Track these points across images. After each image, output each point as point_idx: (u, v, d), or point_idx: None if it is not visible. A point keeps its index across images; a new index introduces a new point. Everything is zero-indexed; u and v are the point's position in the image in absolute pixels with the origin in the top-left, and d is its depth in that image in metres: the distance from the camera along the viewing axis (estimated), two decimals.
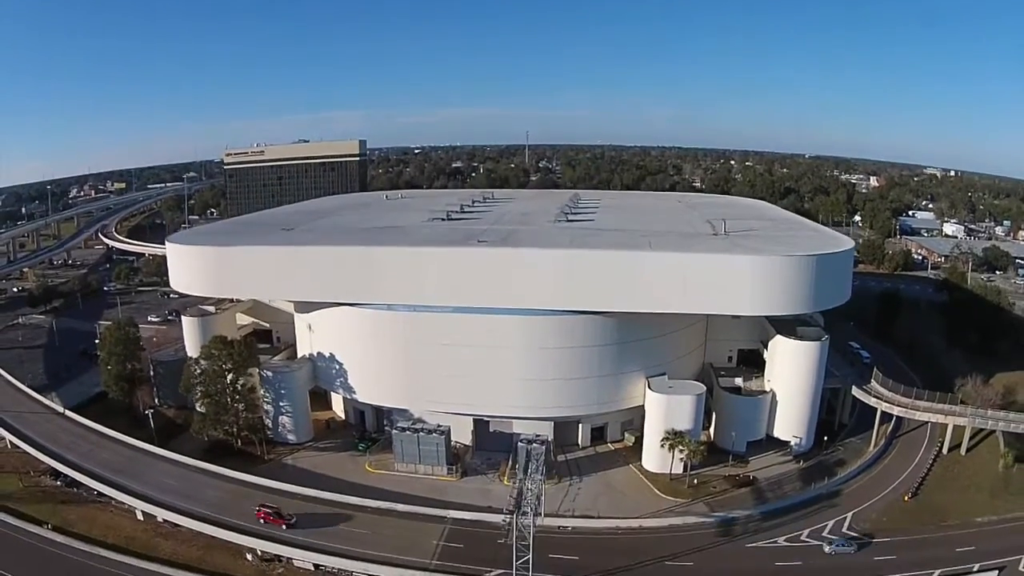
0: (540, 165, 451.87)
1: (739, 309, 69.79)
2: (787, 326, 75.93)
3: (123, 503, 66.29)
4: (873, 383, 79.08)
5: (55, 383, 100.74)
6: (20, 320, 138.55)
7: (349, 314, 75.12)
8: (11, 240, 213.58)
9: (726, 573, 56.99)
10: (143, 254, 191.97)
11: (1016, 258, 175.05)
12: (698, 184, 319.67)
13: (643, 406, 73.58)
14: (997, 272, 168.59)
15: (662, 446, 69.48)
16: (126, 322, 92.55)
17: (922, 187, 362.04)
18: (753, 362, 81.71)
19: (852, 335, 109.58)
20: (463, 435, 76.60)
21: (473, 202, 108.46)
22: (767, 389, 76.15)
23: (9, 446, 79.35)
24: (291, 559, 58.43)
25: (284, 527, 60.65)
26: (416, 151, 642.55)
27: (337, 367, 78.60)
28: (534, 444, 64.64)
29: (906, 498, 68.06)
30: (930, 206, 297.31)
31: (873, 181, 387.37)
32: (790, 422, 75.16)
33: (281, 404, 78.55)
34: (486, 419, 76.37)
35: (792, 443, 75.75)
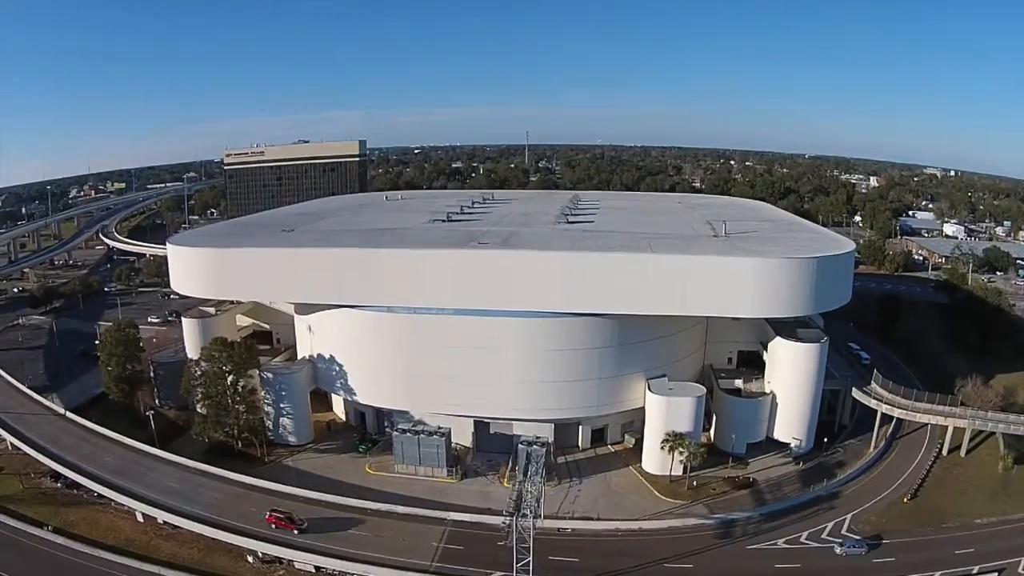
0: (540, 165, 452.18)
1: (740, 311, 69.84)
2: (787, 328, 75.98)
3: (123, 505, 66.33)
4: (873, 385, 79.12)
5: (55, 384, 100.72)
6: (20, 321, 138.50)
7: (349, 316, 75.17)
8: (11, 240, 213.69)
9: (726, 575, 57.05)
10: (143, 255, 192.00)
11: (1016, 259, 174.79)
12: (698, 184, 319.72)
13: (643, 408, 73.66)
14: (998, 273, 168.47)
15: (662, 448, 69.56)
16: (126, 323, 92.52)
17: (922, 187, 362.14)
18: (753, 364, 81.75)
19: (852, 336, 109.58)
20: (463, 437, 76.68)
21: (473, 203, 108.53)
22: (767, 391, 76.21)
23: (10, 448, 79.40)
24: (292, 561, 58.47)
25: (296, 532, 60.25)
26: (416, 151, 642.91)
27: (337, 369, 78.66)
28: (534, 446, 64.84)
29: (905, 500, 68.12)
30: (930, 206, 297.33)
31: (873, 181, 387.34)
32: (790, 424, 75.24)
33: (281, 406, 78.63)
34: (486, 421, 76.44)
35: (792, 445, 75.82)
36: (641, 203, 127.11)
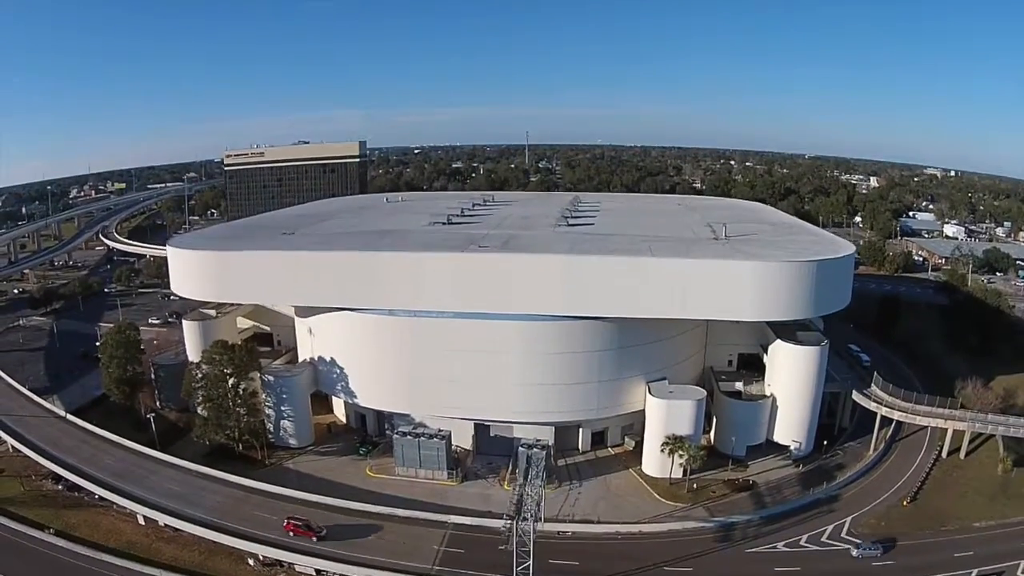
0: (540, 166, 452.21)
1: (740, 315, 69.89)
2: (787, 330, 76.04)
3: (125, 508, 66.37)
4: (873, 387, 79.22)
5: (56, 386, 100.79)
6: (21, 322, 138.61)
7: (350, 319, 75.27)
8: (12, 241, 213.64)
9: None
10: (144, 255, 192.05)
11: (1016, 259, 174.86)
12: (698, 185, 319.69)
13: (643, 411, 73.77)
14: (997, 274, 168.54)
15: (662, 451, 69.70)
16: (127, 325, 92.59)
17: (922, 188, 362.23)
18: (753, 366, 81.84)
19: (852, 337, 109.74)
20: (464, 439, 76.78)
21: (474, 205, 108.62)
22: (767, 394, 76.30)
23: (11, 450, 79.51)
24: (293, 564, 58.58)
25: (314, 539, 59.93)
26: (416, 151, 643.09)
27: (338, 371, 78.75)
28: (534, 449, 65.15)
29: (905, 503, 68.21)
30: (930, 207, 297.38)
31: (873, 181, 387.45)
32: (790, 426, 75.34)
33: (282, 408, 78.72)
34: (487, 423, 76.51)
35: (792, 447, 75.94)
36: (641, 205, 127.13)
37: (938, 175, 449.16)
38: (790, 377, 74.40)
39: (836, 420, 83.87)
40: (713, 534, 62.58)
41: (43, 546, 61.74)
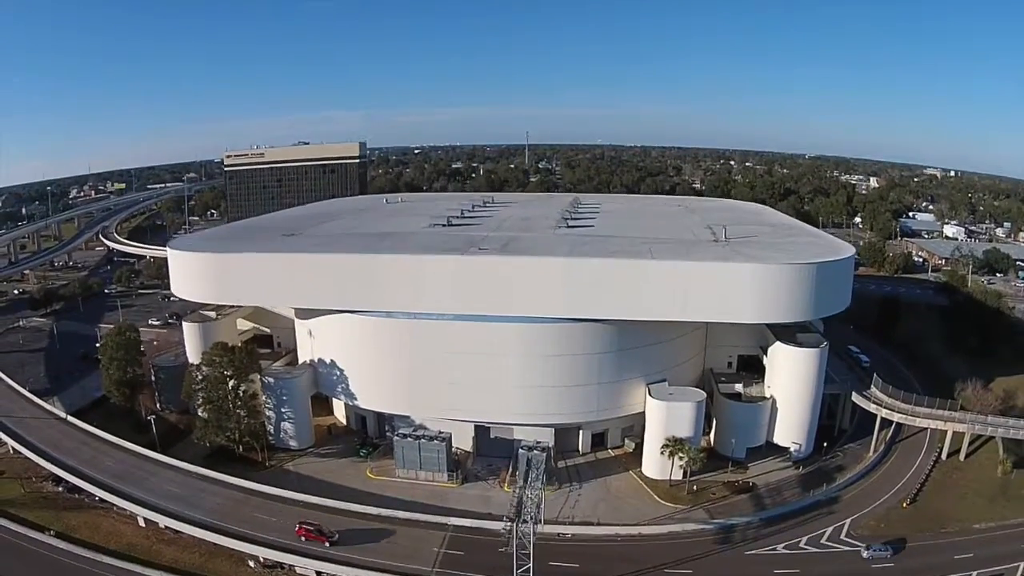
0: (540, 166, 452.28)
1: (740, 317, 69.95)
2: (787, 332, 76.03)
3: (125, 509, 66.45)
4: (873, 389, 79.25)
5: (56, 387, 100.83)
6: (21, 323, 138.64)
7: (350, 321, 75.31)
8: (12, 242, 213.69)
9: None
10: (143, 256, 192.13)
11: (1016, 260, 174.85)
12: (698, 185, 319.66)
13: (643, 412, 73.82)
14: (997, 275, 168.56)
15: (662, 453, 69.76)
16: (127, 327, 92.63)
17: (922, 188, 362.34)
18: (753, 368, 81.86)
19: (852, 339, 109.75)
20: (464, 441, 76.82)
21: (474, 207, 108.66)
22: (767, 395, 76.36)
23: (11, 452, 79.59)
24: (293, 566, 58.67)
25: (327, 544, 59.62)
26: (416, 151, 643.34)
27: (338, 373, 78.81)
28: (534, 451, 65.20)
29: (905, 504, 68.24)
30: (930, 207, 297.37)
31: (873, 182, 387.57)
32: (790, 428, 75.36)
33: (283, 410, 78.79)
34: (487, 425, 76.56)
35: (792, 449, 75.98)
36: (641, 206, 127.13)
37: (938, 175, 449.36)
38: (790, 379, 74.43)
39: (836, 422, 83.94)
40: (713, 536, 62.64)
41: (43, 548, 61.85)
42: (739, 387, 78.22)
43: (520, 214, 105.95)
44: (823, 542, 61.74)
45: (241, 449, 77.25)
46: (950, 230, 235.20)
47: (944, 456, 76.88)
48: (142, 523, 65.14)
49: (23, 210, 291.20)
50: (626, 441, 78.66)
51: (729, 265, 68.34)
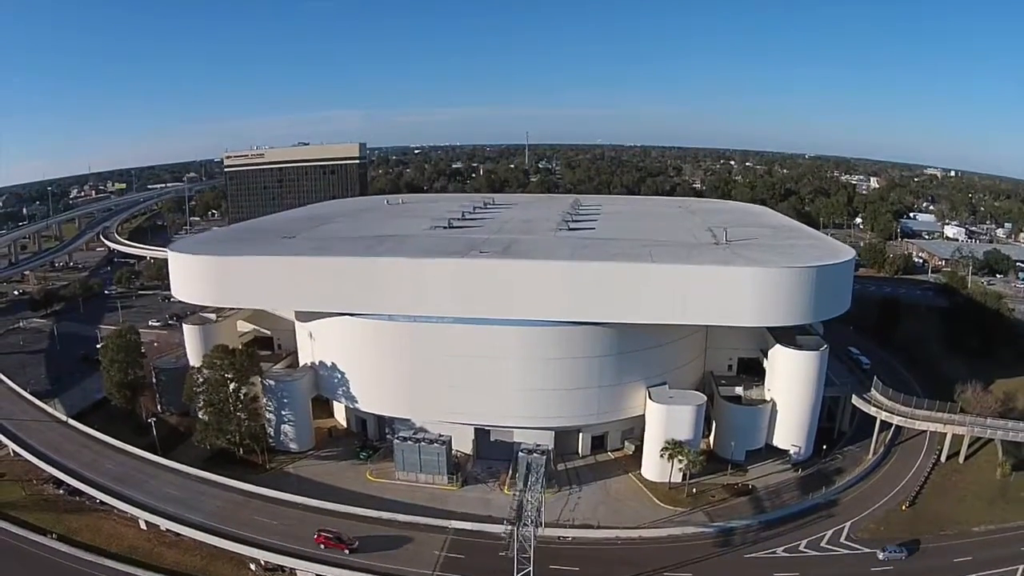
0: (540, 166, 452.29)
1: (739, 320, 70.01)
2: (787, 335, 76.02)
3: (126, 512, 66.57)
4: (873, 391, 79.31)
5: (57, 389, 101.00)
6: (21, 324, 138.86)
7: (351, 324, 75.42)
8: (12, 242, 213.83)
9: None
10: (144, 257, 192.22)
11: (1017, 261, 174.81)
12: (698, 186, 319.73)
13: (644, 415, 73.92)
14: (998, 276, 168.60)
15: (662, 456, 69.86)
16: (127, 329, 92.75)
17: (923, 188, 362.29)
18: (753, 370, 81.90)
19: (852, 340, 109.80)
20: (464, 443, 76.90)
21: (474, 208, 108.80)
22: (767, 398, 76.44)
23: (11, 454, 79.74)
24: (294, 570, 58.80)
25: (347, 551, 58.93)
26: (416, 151, 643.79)
27: (339, 376, 78.94)
28: (534, 454, 65.31)
29: (904, 507, 68.32)
30: (931, 208, 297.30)
31: (873, 182, 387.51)
32: (789, 431, 75.45)
33: (283, 413, 78.93)
34: (487, 428, 76.66)
35: (791, 452, 76.08)
36: (642, 208, 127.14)
37: (938, 175, 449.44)
38: (790, 382, 74.52)
39: (835, 424, 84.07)
40: (713, 539, 62.73)
41: (45, 551, 62.03)
42: (739, 390, 78.29)
43: (521, 216, 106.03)
44: (823, 545, 61.82)
45: (242, 452, 77.45)
46: (951, 231, 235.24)
47: (943, 458, 76.96)
48: (143, 526, 65.29)
49: (24, 210, 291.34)
50: (626, 444, 78.77)
51: (729, 269, 68.45)
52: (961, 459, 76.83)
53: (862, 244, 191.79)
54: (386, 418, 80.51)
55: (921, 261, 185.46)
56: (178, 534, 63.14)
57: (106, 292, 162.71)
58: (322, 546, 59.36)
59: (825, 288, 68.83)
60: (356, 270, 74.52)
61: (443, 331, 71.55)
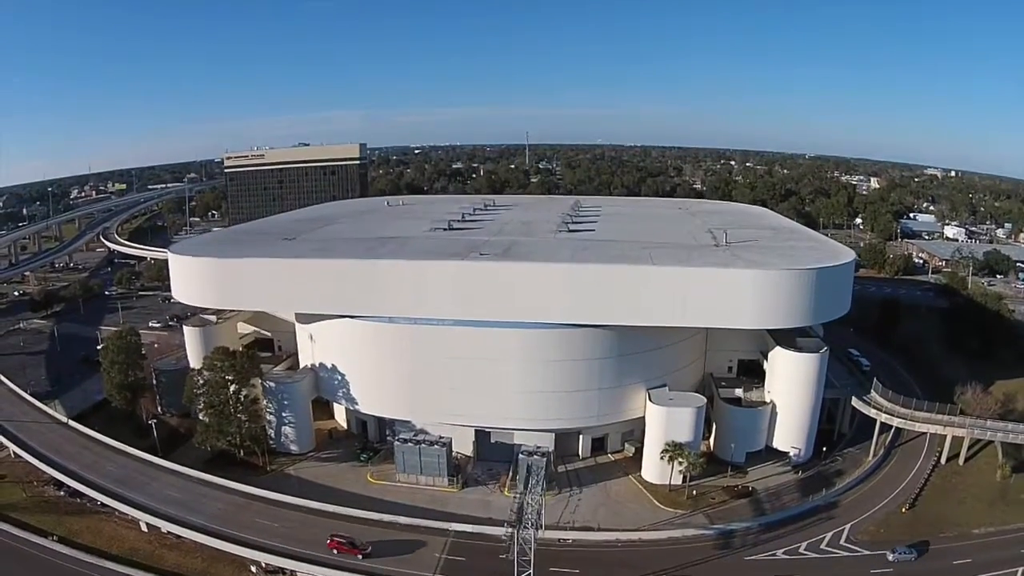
0: (540, 166, 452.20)
1: (740, 323, 70.07)
2: (787, 337, 76.11)
3: (127, 514, 66.65)
4: (873, 394, 79.35)
5: (57, 390, 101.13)
6: (22, 325, 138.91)
7: (351, 325, 75.49)
8: (12, 243, 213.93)
9: None
10: (144, 258, 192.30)
11: (1017, 262, 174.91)
12: (698, 186, 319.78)
13: (644, 417, 73.99)
14: (998, 276, 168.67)
15: (662, 458, 69.91)
16: (128, 331, 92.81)
17: (923, 188, 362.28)
18: (753, 372, 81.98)
19: (852, 341, 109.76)
20: (464, 445, 76.96)
21: (475, 210, 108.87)
22: (767, 400, 76.50)
23: (12, 455, 79.83)
24: (295, 572, 58.86)
25: (360, 557, 58.76)
26: (416, 151, 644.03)
27: (339, 378, 79.01)
28: (535, 456, 65.33)
29: (904, 509, 68.38)
30: (931, 208, 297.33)
31: (874, 182, 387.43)
32: (789, 433, 75.52)
33: (284, 415, 78.99)
34: (487, 430, 76.72)
35: (791, 454, 76.15)
36: (642, 210, 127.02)
37: (938, 175, 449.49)
38: (790, 384, 74.59)
39: (835, 426, 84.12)
40: (713, 541, 62.79)
41: (45, 553, 62.08)
42: (739, 392, 78.38)
43: (521, 218, 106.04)
44: (823, 547, 61.91)
45: (242, 453, 77.52)
46: (951, 231, 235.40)
47: (943, 460, 77.04)
48: (144, 528, 65.34)
49: (24, 211, 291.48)
50: (626, 445, 78.83)
51: (729, 271, 68.51)
52: (961, 461, 76.90)
53: (862, 245, 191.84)
54: (386, 420, 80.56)
55: (921, 262, 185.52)
56: (179, 536, 63.24)
57: (106, 293, 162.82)
58: (335, 551, 59.03)
59: (825, 290, 68.89)
60: (357, 272, 74.56)
61: (443, 333, 71.60)
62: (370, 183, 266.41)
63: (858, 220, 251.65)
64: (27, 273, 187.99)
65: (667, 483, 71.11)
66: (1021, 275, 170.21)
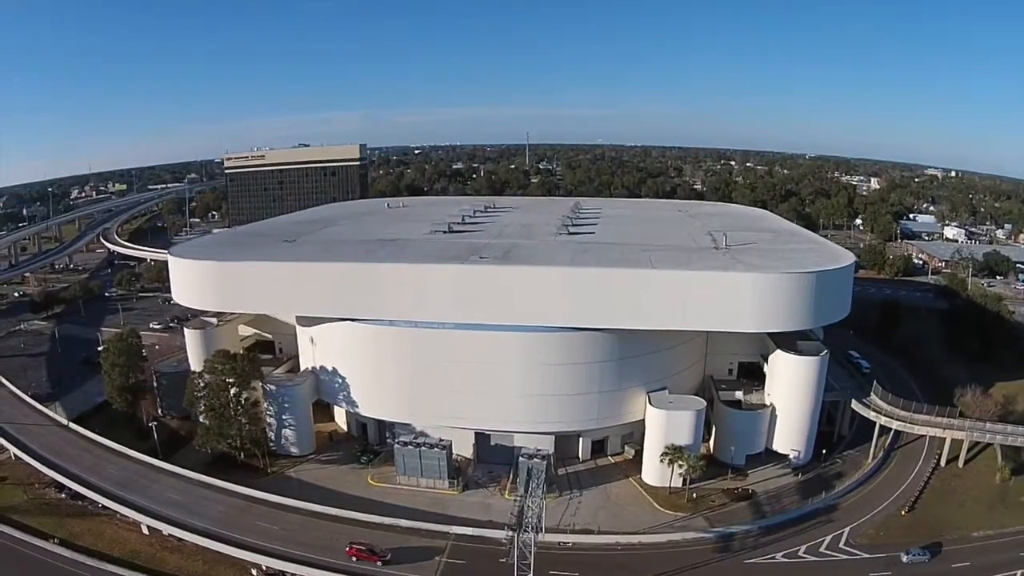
0: (540, 167, 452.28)
1: (740, 326, 70.16)
2: (787, 339, 76.19)
3: (128, 517, 66.79)
4: (872, 396, 79.46)
5: (58, 392, 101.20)
6: (22, 326, 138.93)
7: (352, 329, 75.58)
8: (12, 244, 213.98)
9: None
10: (144, 259, 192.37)
11: (1017, 263, 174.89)
12: (699, 187, 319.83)
13: (644, 420, 74.09)
14: (998, 277, 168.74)
15: (662, 461, 70.03)
16: (128, 333, 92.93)
17: (923, 189, 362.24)
18: (753, 374, 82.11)
19: (852, 343, 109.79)
20: (465, 448, 77.10)
21: (475, 212, 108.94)
22: (767, 403, 76.60)
23: (13, 458, 79.96)
24: (295, 575, 58.94)
25: (379, 563, 58.55)
26: (416, 151, 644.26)
27: (340, 381, 79.12)
28: (535, 459, 65.48)
29: (903, 512, 68.50)
30: (931, 209, 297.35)
31: (874, 183, 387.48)
32: (789, 436, 75.68)
33: (284, 417, 79.11)
34: (487, 433, 76.85)
35: (791, 456, 76.26)
36: (642, 212, 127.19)
37: (939, 176, 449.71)
38: (790, 387, 74.71)
39: (835, 428, 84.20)
40: (712, 544, 62.91)
41: (46, 555, 62.11)
42: (739, 394, 78.47)
43: (521, 220, 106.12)
44: (822, 551, 62.04)
45: (243, 456, 77.59)
46: (950, 232, 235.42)
47: (943, 463, 77.17)
48: (145, 530, 65.47)
49: (24, 211, 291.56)
50: (626, 448, 78.95)
51: (729, 274, 68.59)
52: (960, 463, 77.04)
53: (862, 245, 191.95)
54: (387, 422, 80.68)
55: (921, 263, 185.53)
56: (180, 539, 63.38)
57: (107, 294, 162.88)
58: (354, 559, 58.92)
59: (825, 293, 69.01)
60: (357, 276, 74.68)
61: (444, 336, 71.70)
62: (370, 184, 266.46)
63: (858, 221, 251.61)
64: (27, 274, 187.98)
65: (667, 486, 71.24)
66: (1021, 276, 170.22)
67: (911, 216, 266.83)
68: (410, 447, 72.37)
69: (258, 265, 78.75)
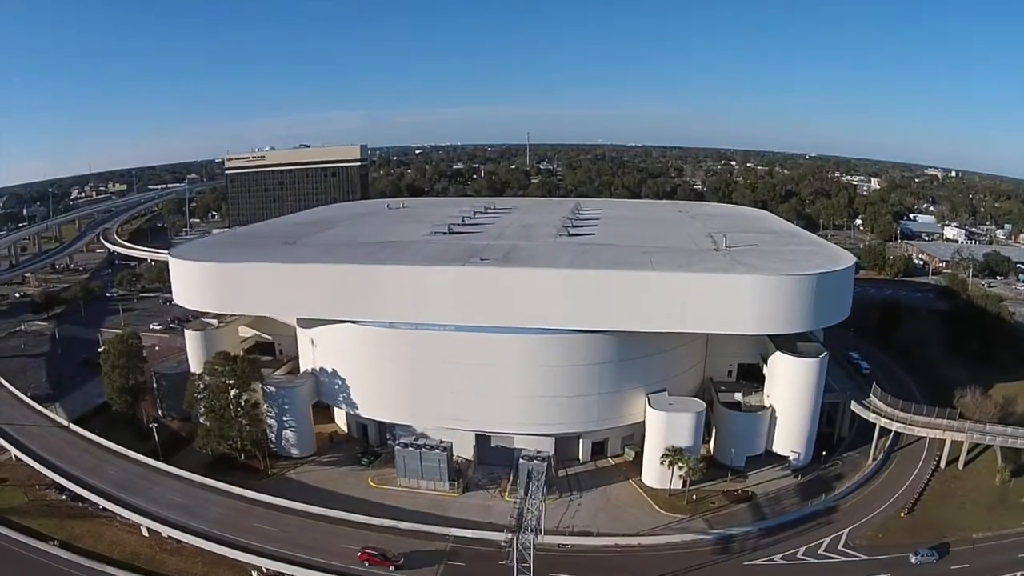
0: (541, 167, 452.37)
1: (740, 328, 70.19)
2: (787, 341, 76.20)
3: (128, 519, 66.83)
4: (872, 398, 79.46)
5: (58, 393, 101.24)
6: (23, 327, 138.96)
7: (352, 330, 75.61)
8: (13, 244, 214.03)
9: None
10: (145, 259, 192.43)
11: (1017, 263, 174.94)
12: (699, 187, 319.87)
13: (644, 422, 74.11)
14: (998, 278, 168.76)
15: (662, 462, 70.05)
16: (129, 334, 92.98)
17: (923, 189, 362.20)
18: (753, 376, 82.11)
19: (852, 344, 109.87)
20: (465, 449, 77.15)
21: (475, 213, 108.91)
22: (766, 404, 76.62)
23: (13, 459, 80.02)
24: None
25: (392, 568, 58.55)
26: (416, 151, 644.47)
27: (340, 383, 79.15)
28: (535, 461, 65.54)
29: (902, 514, 68.52)
30: (931, 209, 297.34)
31: (874, 183, 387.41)
32: (789, 437, 75.72)
33: (284, 419, 79.16)
34: (488, 434, 76.87)
35: (791, 458, 76.28)
36: (642, 213, 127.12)
37: (939, 175, 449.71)
38: (789, 388, 74.73)
39: (835, 430, 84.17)
40: (712, 546, 62.92)
41: (46, 557, 62.18)
42: (739, 396, 78.49)
43: (521, 221, 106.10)
44: (821, 552, 62.07)
45: (243, 457, 77.63)
46: (951, 232, 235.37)
47: (943, 464, 77.19)
48: (145, 532, 65.51)
49: (24, 211, 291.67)
50: (626, 450, 78.98)
51: (729, 276, 68.56)
52: (960, 465, 77.06)
53: (862, 246, 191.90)
54: (387, 424, 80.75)
55: (921, 263, 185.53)
56: (180, 541, 63.41)
57: (107, 295, 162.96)
58: (367, 563, 58.78)
59: (825, 295, 69.02)
60: (357, 278, 74.72)
61: (444, 338, 71.76)
62: (371, 184, 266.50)
63: (858, 221, 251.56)
64: (28, 274, 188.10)
65: (667, 487, 71.28)
66: (1021, 276, 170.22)
67: (911, 216, 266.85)
68: (411, 449, 72.45)
69: (258, 267, 78.73)
